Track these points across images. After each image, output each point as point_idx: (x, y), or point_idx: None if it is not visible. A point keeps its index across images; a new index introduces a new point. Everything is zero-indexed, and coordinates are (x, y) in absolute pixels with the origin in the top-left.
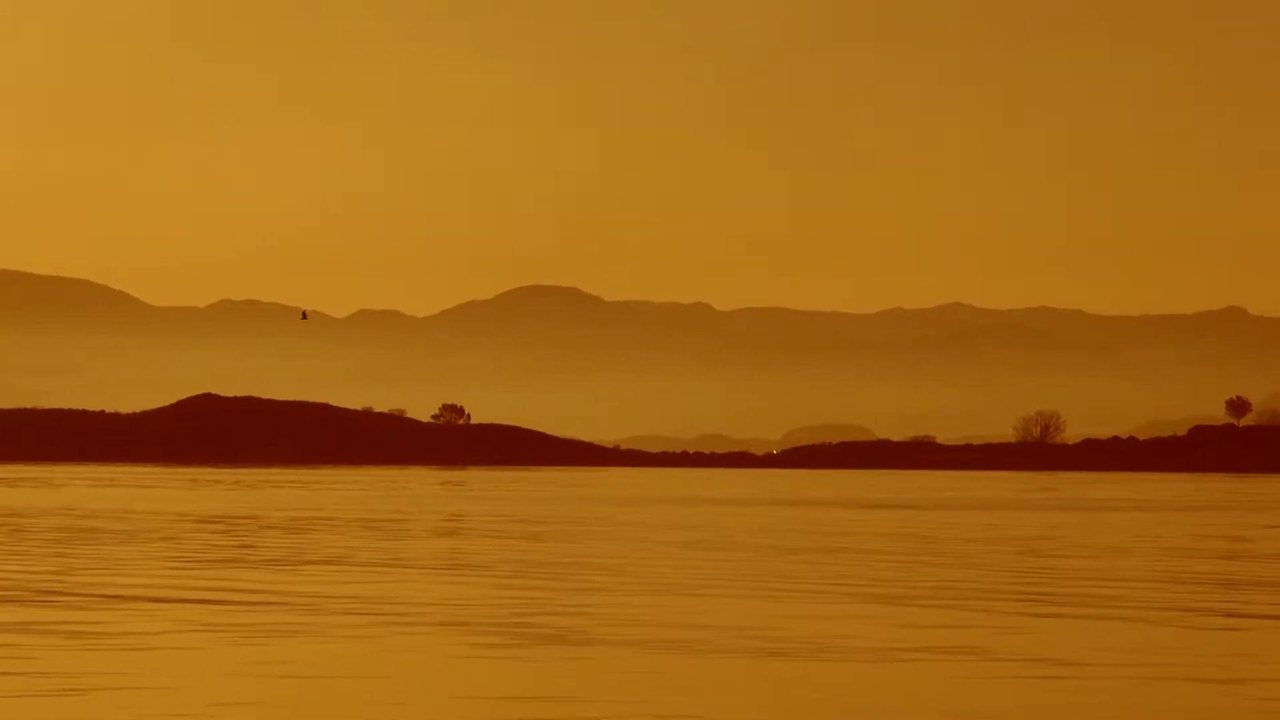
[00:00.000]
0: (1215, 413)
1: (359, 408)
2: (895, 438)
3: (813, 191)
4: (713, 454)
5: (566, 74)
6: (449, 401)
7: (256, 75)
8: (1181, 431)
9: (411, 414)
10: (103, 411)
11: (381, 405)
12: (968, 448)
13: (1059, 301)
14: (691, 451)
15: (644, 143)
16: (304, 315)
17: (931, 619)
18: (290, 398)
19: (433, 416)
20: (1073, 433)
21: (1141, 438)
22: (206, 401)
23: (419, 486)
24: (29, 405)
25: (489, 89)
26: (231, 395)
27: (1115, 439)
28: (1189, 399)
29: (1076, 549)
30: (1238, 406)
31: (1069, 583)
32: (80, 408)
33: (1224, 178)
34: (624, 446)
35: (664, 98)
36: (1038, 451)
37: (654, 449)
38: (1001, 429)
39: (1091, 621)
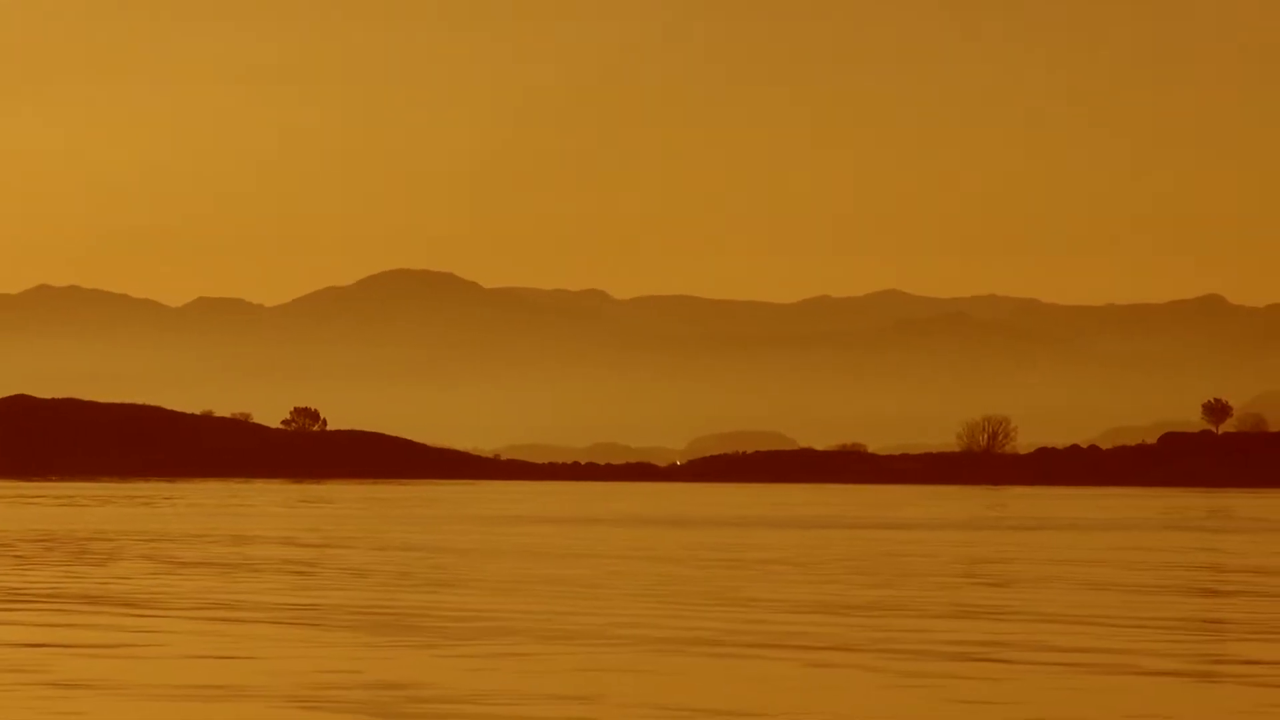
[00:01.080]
0: (1190, 418)
1: (197, 411)
2: (820, 446)
3: (724, 164)
4: (608, 465)
5: (442, 35)
6: (302, 405)
7: (74, 34)
8: (1151, 440)
9: (258, 419)
10: None
11: (223, 409)
12: (904, 458)
13: (1009, 289)
14: (584, 462)
15: (529, 112)
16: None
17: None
18: (117, 399)
19: (283, 422)
20: (1025, 441)
21: (1105, 447)
22: (19, 404)
23: (263, 503)
24: None
25: (350, 50)
26: (49, 397)
27: (1074, 448)
28: (1160, 402)
29: (1007, 579)
30: (1216, 411)
31: (988, 625)
32: None
33: (1198, 152)
34: (505, 457)
35: (553, 62)
36: (985, 462)
37: (540, 459)
38: (943, 436)
39: (1006, 681)
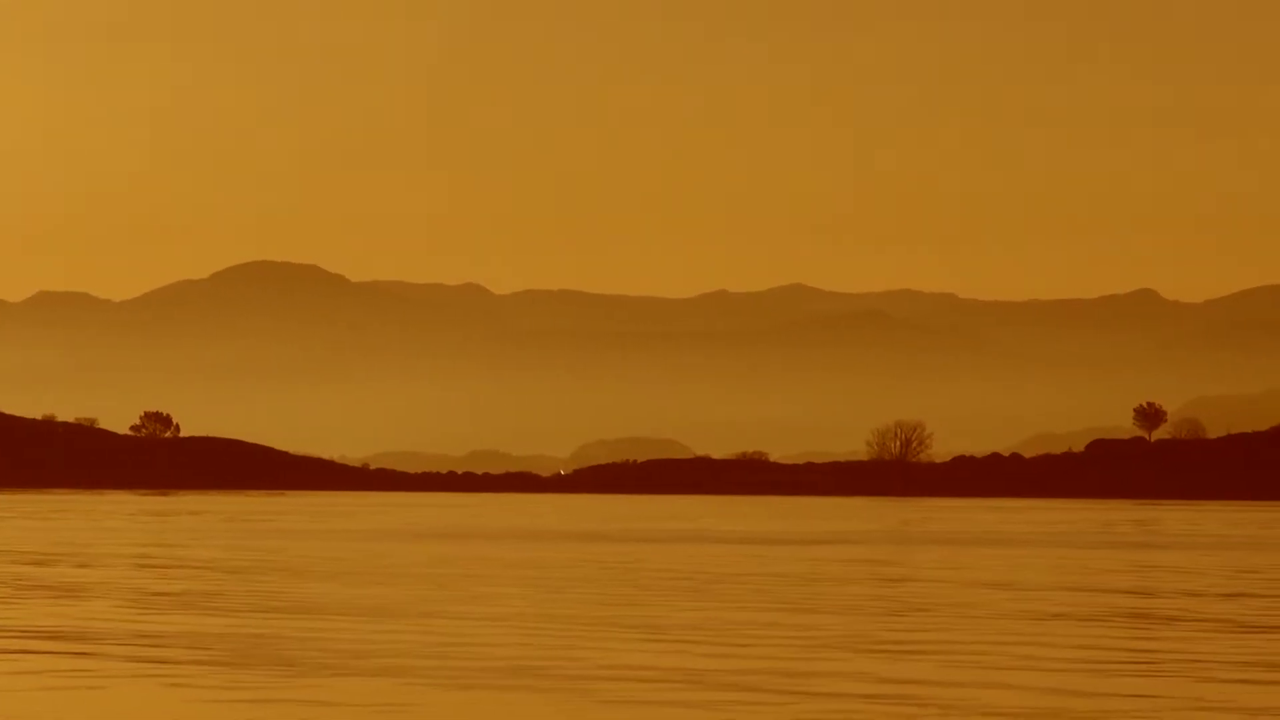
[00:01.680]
0: (1121, 423)
1: (38, 416)
2: (718, 454)
3: (613, 147)
4: (487, 475)
5: (304, 16)
6: (152, 409)
7: None
8: (1079, 447)
9: (105, 424)
10: None
11: (66, 413)
12: (809, 468)
13: (924, 283)
14: (461, 472)
15: (399, 93)
16: None
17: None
18: None
19: (132, 428)
20: (942, 448)
21: (1028, 455)
22: None
23: (105, 516)
24: None
25: (205, 30)
26: None
27: (995, 457)
28: (1088, 406)
29: (902, 607)
30: (1149, 416)
31: (888, 664)
32: None
33: (1129, 138)
34: (375, 466)
35: (426, 42)
36: (898, 472)
37: (414, 468)
38: (852, 444)
39: None
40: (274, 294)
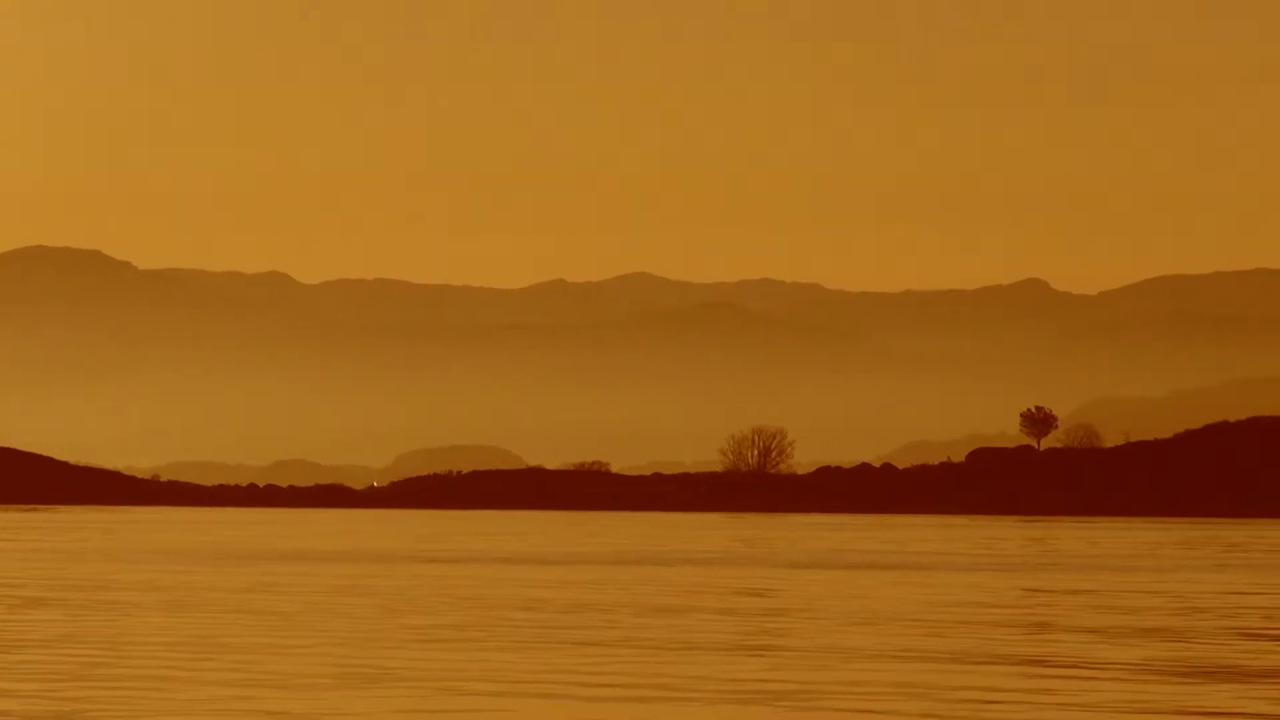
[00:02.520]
0: (1006, 430)
1: None
2: (553, 465)
3: (436, 122)
4: (293, 488)
5: None
6: None
7: None
8: (958, 457)
9: None
10: None
11: None
12: (656, 479)
13: (785, 272)
14: (263, 485)
15: (195, 53)
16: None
17: None
18: None
19: None
20: (804, 458)
21: (901, 465)
22: None
23: None
24: None
25: None
26: None
27: (864, 467)
28: (969, 410)
29: (733, 643)
30: (1038, 421)
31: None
32: None
33: (1015, 113)
34: (166, 478)
35: (225, 14)
36: (755, 485)
37: (210, 480)
38: (704, 453)
39: None
40: (51, 283)
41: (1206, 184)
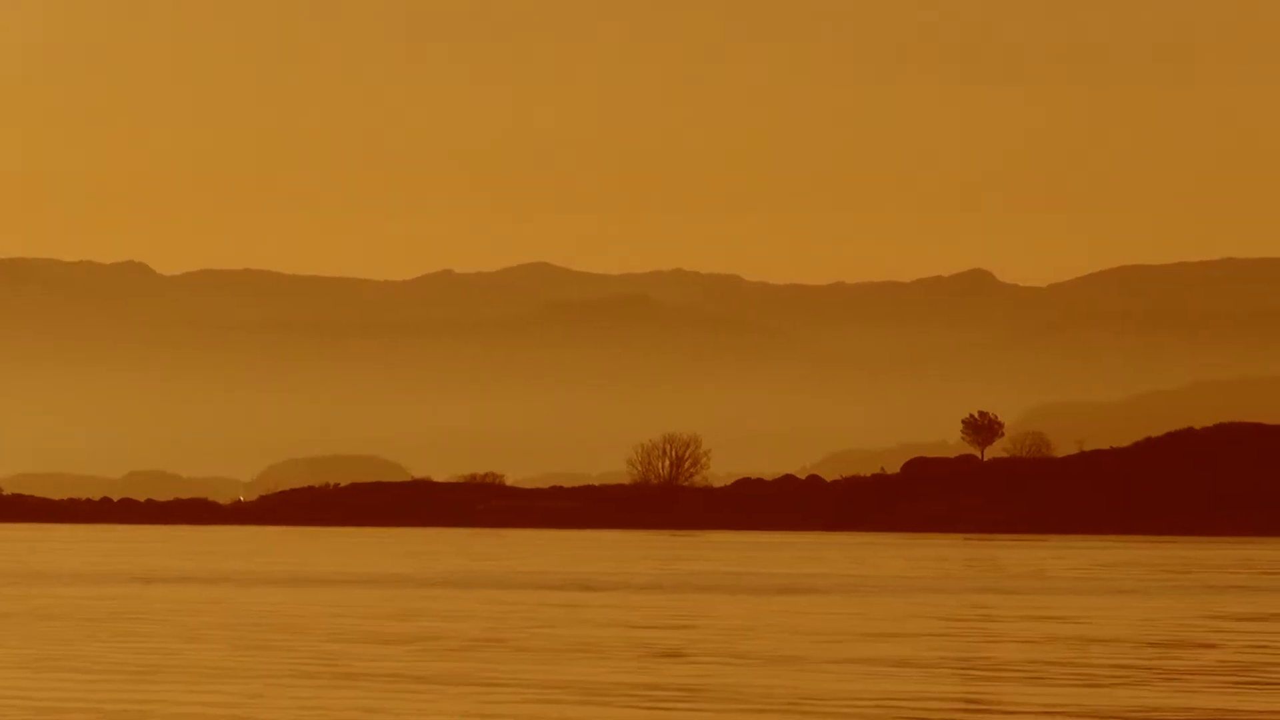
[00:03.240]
0: (946, 438)
1: None
2: (441, 476)
3: (304, 92)
4: (151, 502)
5: None
6: None
7: None
8: (893, 468)
9: None
10: None
11: None
12: (556, 492)
13: (701, 262)
14: (118, 499)
15: (40, 37)
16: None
17: None
18: None
19: None
20: (722, 469)
21: (829, 477)
22: None
23: None
24: None
25: None
26: None
27: (788, 479)
28: (905, 416)
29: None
30: (982, 429)
31: None
32: None
33: (955, 86)
34: (9, 491)
35: None
36: (667, 498)
37: (59, 493)
38: (611, 463)
39: None
40: None
41: (1168, 166)
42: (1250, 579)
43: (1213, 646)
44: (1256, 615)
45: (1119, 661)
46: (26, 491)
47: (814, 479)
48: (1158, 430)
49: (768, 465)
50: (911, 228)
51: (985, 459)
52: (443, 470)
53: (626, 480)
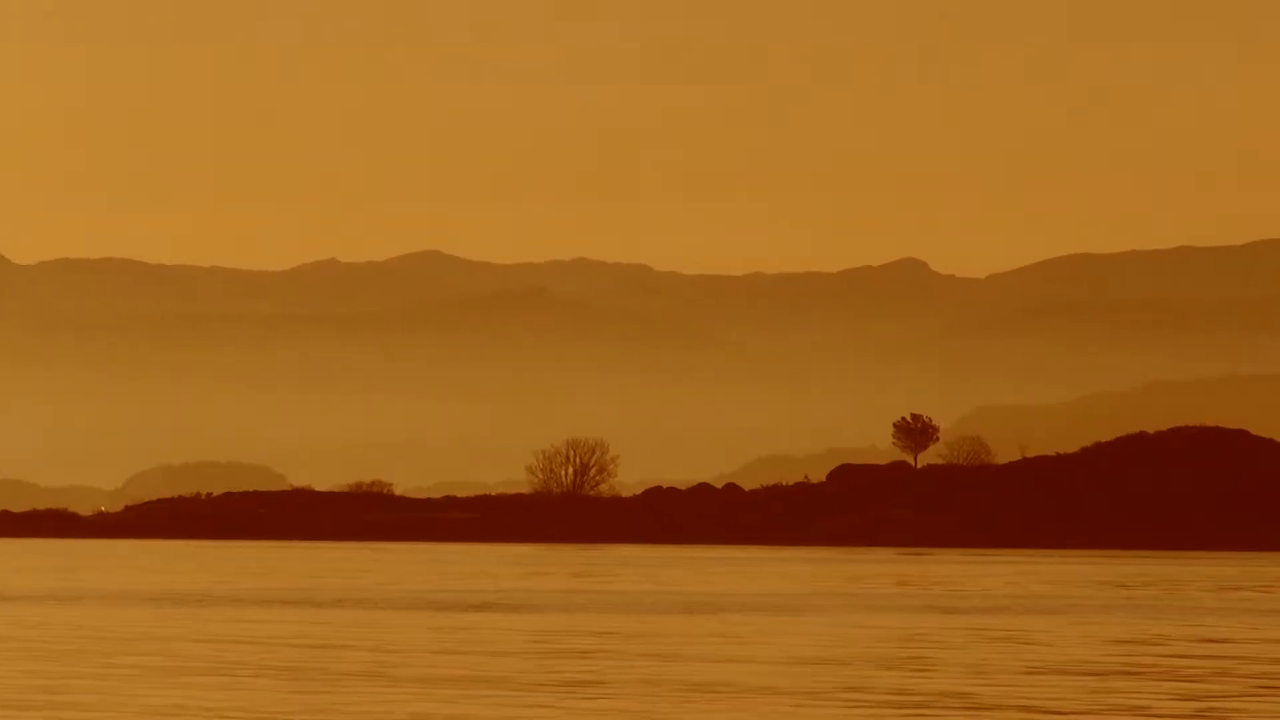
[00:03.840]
0: (876, 443)
1: None
2: (325, 485)
3: (170, 67)
4: (6, 513)
5: None
6: None
7: None
8: (818, 475)
9: None
10: None
11: None
12: (449, 502)
13: (605, 251)
14: None
15: None
16: None
17: None
18: None
19: None
20: (632, 477)
21: (748, 486)
22: None
23: None
24: None
25: None
26: None
27: (703, 488)
28: (831, 419)
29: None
30: (915, 433)
31: None
32: None
33: (885, 65)
34: None
35: None
36: (570, 509)
37: None
38: (508, 470)
39: None
40: None
41: (1118, 148)
42: (1201, 598)
43: (1163, 676)
44: (1200, 637)
45: (1061, 694)
46: None
47: (732, 488)
48: (1107, 435)
49: (681, 473)
50: (838, 213)
51: (919, 466)
52: (325, 479)
53: (526, 489)
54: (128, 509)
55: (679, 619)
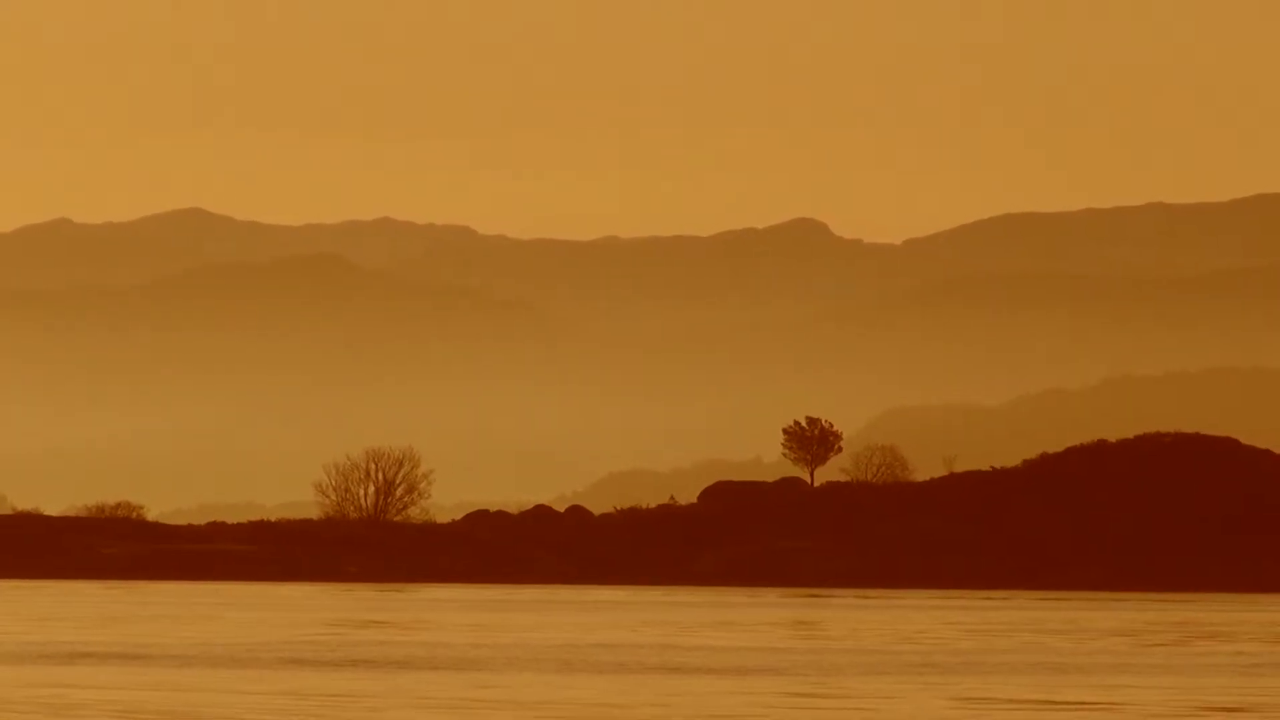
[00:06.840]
0: (762, 454)
1: None
2: (55, 509)
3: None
4: None
5: None
6: None
7: None
8: (688, 496)
9: None
10: None
11: None
12: (216, 529)
13: (417, 210)
14: None
15: None
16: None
17: None
18: None
19: None
20: (450, 498)
21: (599, 509)
22: None
23: None
24: None
25: None
26: None
27: (541, 510)
28: (705, 423)
29: None
30: (811, 441)
31: None
32: None
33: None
34: None
35: None
36: (371, 538)
37: None
38: (292, 490)
39: None
40: None
41: (1069, 82)
42: (1152, 653)
43: None
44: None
45: None
46: None
47: (577, 511)
48: (1056, 444)
49: (512, 492)
50: (716, 163)
51: (816, 484)
52: (57, 500)
53: (315, 514)
54: None
55: (498, 675)
